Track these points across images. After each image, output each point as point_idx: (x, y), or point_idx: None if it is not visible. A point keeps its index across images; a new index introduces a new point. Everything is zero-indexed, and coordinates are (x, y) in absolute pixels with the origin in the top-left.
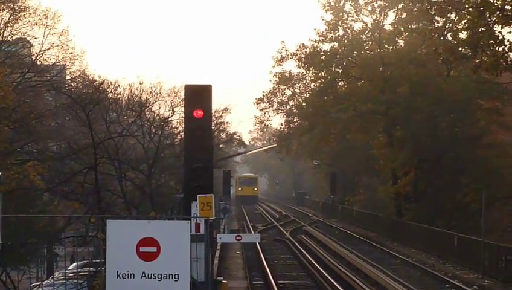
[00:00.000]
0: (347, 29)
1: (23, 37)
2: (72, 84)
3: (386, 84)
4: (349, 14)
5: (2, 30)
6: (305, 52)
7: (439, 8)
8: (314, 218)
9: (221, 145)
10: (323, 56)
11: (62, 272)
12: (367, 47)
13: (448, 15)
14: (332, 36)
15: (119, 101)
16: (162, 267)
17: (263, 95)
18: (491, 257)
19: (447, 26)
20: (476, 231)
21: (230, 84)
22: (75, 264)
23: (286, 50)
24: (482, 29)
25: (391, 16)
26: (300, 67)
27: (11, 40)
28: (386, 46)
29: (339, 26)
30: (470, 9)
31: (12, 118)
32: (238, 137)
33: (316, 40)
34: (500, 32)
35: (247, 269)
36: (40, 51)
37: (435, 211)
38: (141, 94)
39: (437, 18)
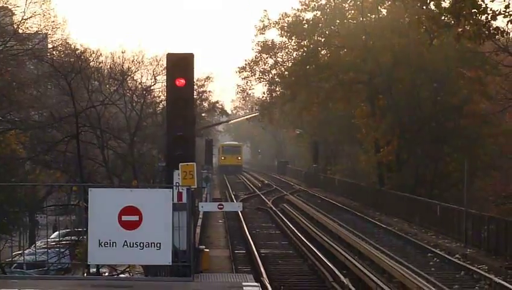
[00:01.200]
0: None
1: (5, 5)
2: (54, 53)
3: (368, 54)
4: None
5: None
6: (288, 21)
7: None
8: (296, 187)
9: (203, 114)
10: (306, 25)
11: (44, 241)
12: (349, 16)
13: None
14: (314, 5)
15: (101, 70)
16: (144, 236)
17: (245, 64)
18: (474, 227)
19: None
20: (458, 201)
21: (212, 52)
22: (57, 233)
23: (268, 19)
24: None
25: None
26: (282, 36)
27: None
28: (369, 15)
29: None
30: None
31: None
32: (220, 106)
33: (298, 9)
34: (482, 1)
35: (229, 238)
36: (22, 19)
37: (417, 181)
38: (123, 63)
39: None
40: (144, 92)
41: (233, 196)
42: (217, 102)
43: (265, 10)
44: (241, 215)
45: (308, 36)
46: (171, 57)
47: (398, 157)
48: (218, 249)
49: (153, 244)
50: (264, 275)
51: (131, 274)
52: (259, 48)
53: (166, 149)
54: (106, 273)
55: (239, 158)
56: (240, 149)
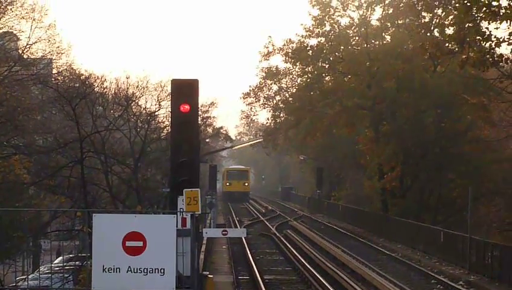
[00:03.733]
0: (334, 25)
1: (10, 30)
2: (59, 78)
3: (372, 80)
4: (336, 9)
5: None
6: (292, 47)
7: (426, 4)
8: (300, 213)
9: (207, 140)
10: (310, 51)
11: (48, 266)
12: (353, 42)
13: (435, 10)
14: (319, 31)
15: (106, 95)
16: (148, 262)
17: (250, 90)
18: (478, 253)
19: (433, 22)
20: (461, 227)
21: (217, 78)
22: (60, 258)
23: (273, 45)
24: (469, 24)
25: (378, 11)
26: (287, 62)
27: None
28: (373, 41)
29: (325, 22)
30: (457, 4)
31: None
32: (224, 131)
33: (302, 35)
34: (487, 28)
35: (233, 263)
36: (27, 44)
37: (421, 206)
38: (128, 88)
39: (424, 13)
40: (148, 118)
41: (237, 222)
42: (221, 128)
43: (270, 36)
44: (245, 241)
45: (313, 62)
46: (175, 83)
47: (402, 183)
48: (222, 274)
49: (157, 270)
50: None
51: None
52: (264, 74)
53: (171, 174)
54: None
55: (246, 184)
56: (247, 174)
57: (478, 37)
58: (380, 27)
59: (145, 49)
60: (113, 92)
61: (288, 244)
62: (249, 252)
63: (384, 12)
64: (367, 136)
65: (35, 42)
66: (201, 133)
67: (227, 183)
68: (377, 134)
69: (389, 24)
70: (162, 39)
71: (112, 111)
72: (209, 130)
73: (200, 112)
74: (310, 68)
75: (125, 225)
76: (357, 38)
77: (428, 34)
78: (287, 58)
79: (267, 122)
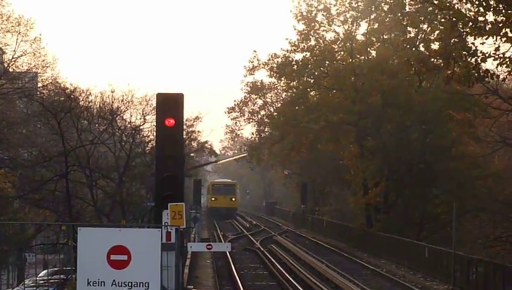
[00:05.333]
0: (319, 39)
1: None
2: (44, 91)
3: (357, 95)
4: (321, 24)
5: None
6: (277, 61)
7: (411, 19)
8: (284, 228)
9: (192, 154)
10: (295, 66)
11: (33, 279)
12: (339, 57)
13: (421, 25)
14: (304, 46)
15: (91, 109)
16: (133, 276)
17: (235, 104)
18: (462, 269)
19: (419, 37)
20: (446, 243)
21: (202, 92)
22: (45, 271)
23: (258, 59)
24: (455, 40)
25: (363, 26)
26: (272, 77)
27: None
28: (358, 56)
29: (311, 36)
30: (443, 20)
31: None
32: (209, 146)
33: (288, 50)
34: (472, 43)
35: (217, 278)
36: (13, 58)
37: (405, 222)
38: (112, 102)
39: (409, 29)
40: (133, 132)
41: (221, 236)
42: (206, 142)
43: (255, 51)
44: (229, 256)
45: (297, 77)
46: (160, 97)
47: (386, 199)
48: (206, 289)
49: (141, 284)
50: None
51: None
52: (249, 89)
53: (155, 189)
54: None
55: (233, 199)
56: (234, 188)
57: (464, 53)
58: (365, 42)
59: (130, 63)
60: (98, 106)
61: (272, 259)
62: (233, 266)
63: (369, 27)
64: (352, 151)
65: (21, 56)
66: (186, 147)
67: (213, 199)
68: (361, 149)
69: (374, 39)
70: (147, 53)
71: (96, 125)
72: (194, 144)
73: (184, 126)
74: (295, 83)
75: (110, 239)
76: (342, 53)
77: (414, 49)
78: (272, 72)
79: (251, 137)
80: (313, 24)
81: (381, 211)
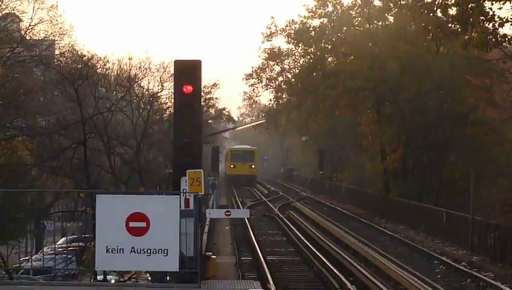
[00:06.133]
0: (336, 5)
1: (12, 11)
2: (61, 59)
3: (374, 61)
4: None
5: None
6: (295, 28)
7: None
8: (302, 194)
9: (210, 121)
10: (313, 32)
11: (51, 247)
12: (356, 23)
13: None
14: (321, 12)
15: (108, 77)
16: (152, 242)
17: (252, 71)
18: (480, 234)
19: (436, 2)
20: (463, 209)
21: (219, 59)
22: (64, 239)
23: (275, 26)
24: (472, 5)
25: None
26: (289, 43)
27: (0, 15)
28: (376, 22)
29: (328, 2)
30: None
31: (1, 94)
32: (227, 113)
33: (305, 16)
34: (490, 8)
35: (235, 244)
36: (29, 25)
37: (423, 188)
38: (130, 69)
39: None
40: (151, 99)
41: (239, 203)
42: (224, 109)
43: (273, 17)
44: (247, 222)
45: (315, 43)
46: (178, 64)
47: (404, 165)
48: (225, 255)
49: (160, 250)
50: (271, 282)
51: (137, 281)
52: (266, 55)
53: (173, 156)
54: (113, 281)
55: (252, 166)
56: (254, 155)
57: (481, 18)
58: (383, 8)
59: (148, 30)
60: (115, 73)
61: (291, 225)
62: (251, 233)
63: None
64: (369, 117)
65: (38, 23)
66: (204, 114)
67: (231, 166)
68: (379, 116)
69: (391, 4)
70: (165, 20)
71: (114, 92)
72: (212, 111)
73: (202, 93)
74: (312, 49)
75: (129, 206)
76: (359, 19)
77: (431, 15)
78: (289, 39)
79: (269, 104)
80: None
81: (398, 176)
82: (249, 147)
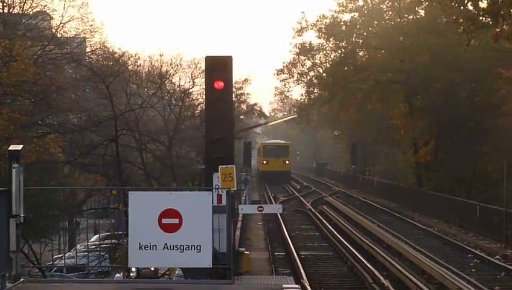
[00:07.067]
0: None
1: (43, 10)
2: (92, 56)
3: (405, 54)
4: None
5: (23, 3)
6: (325, 22)
7: None
8: (335, 188)
9: (241, 117)
10: (344, 26)
11: (84, 244)
12: (387, 17)
13: None
14: (352, 6)
15: (140, 73)
16: (184, 239)
17: (283, 66)
18: None
19: None
20: (496, 201)
21: (250, 54)
22: (97, 236)
23: (306, 21)
24: None
25: None
26: (320, 38)
27: (31, 13)
28: (406, 16)
29: None
30: None
31: (33, 91)
32: (258, 108)
33: (336, 11)
34: None
35: (268, 240)
36: (60, 23)
37: (456, 181)
38: (161, 66)
39: None
40: (182, 95)
41: (272, 198)
42: (255, 104)
43: (303, 12)
44: (280, 218)
45: (346, 37)
46: (209, 60)
47: (436, 158)
48: (258, 251)
49: (193, 247)
50: (304, 277)
51: (171, 277)
52: (297, 50)
53: (205, 151)
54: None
55: (287, 162)
56: (288, 150)
57: None
58: (413, 1)
59: (179, 26)
60: (146, 70)
61: (323, 220)
62: (284, 228)
63: None
64: (401, 110)
65: (68, 21)
66: (235, 109)
67: (264, 162)
68: (410, 108)
69: None
70: (196, 16)
71: (145, 89)
72: (243, 106)
73: (233, 89)
74: (343, 43)
75: (161, 202)
76: (390, 13)
77: (462, 8)
78: (320, 33)
79: (301, 98)
80: None
81: (431, 169)
82: (282, 141)
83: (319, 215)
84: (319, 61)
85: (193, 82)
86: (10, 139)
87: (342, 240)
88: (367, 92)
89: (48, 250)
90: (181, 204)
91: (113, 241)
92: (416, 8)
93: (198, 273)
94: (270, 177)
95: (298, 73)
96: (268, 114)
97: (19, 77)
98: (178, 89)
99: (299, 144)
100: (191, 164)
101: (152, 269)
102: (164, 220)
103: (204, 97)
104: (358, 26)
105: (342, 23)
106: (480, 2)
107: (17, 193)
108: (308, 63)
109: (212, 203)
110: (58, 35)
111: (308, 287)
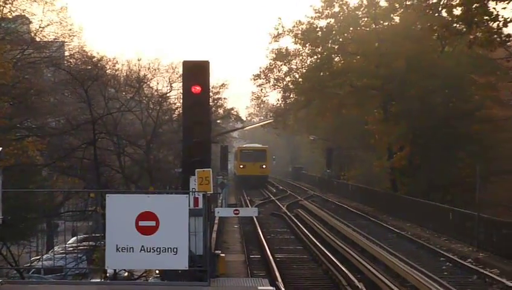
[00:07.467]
0: (343, 6)
1: (23, 14)
2: (71, 60)
3: (381, 60)
4: None
5: (2, 7)
6: (302, 28)
7: None
8: (310, 192)
9: (218, 121)
10: (320, 32)
11: (62, 246)
12: (362, 23)
13: None
14: (328, 12)
15: (118, 77)
16: (161, 241)
17: (260, 71)
18: (486, 231)
19: (441, 3)
20: (471, 206)
21: (227, 59)
22: (74, 238)
23: (283, 26)
24: (477, 5)
25: None
26: (296, 44)
27: (10, 17)
28: (381, 22)
29: (334, 3)
30: None
31: (12, 94)
32: (235, 112)
33: (312, 17)
34: (494, 8)
35: (244, 243)
36: (39, 27)
37: (430, 186)
38: (139, 70)
39: None
40: (160, 99)
41: (248, 202)
42: (232, 109)
43: (280, 18)
44: (256, 221)
45: (322, 43)
46: (187, 64)
47: (411, 163)
48: (234, 254)
49: (169, 249)
50: (279, 279)
51: (147, 279)
52: (274, 56)
53: (183, 155)
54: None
55: (264, 166)
56: (265, 154)
57: (486, 17)
58: (389, 8)
59: (157, 31)
60: (124, 74)
61: (299, 223)
62: (260, 231)
63: None
64: (376, 116)
65: (47, 25)
66: (213, 114)
67: (241, 166)
68: (386, 114)
69: (397, 5)
70: (173, 21)
71: (123, 93)
72: (220, 111)
73: (211, 93)
74: (319, 49)
75: (138, 205)
76: (366, 19)
77: (437, 15)
78: (296, 39)
79: (277, 103)
80: None
81: (406, 174)
82: (260, 145)
83: (294, 219)
84: (295, 67)
85: (171, 86)
86: None
87: (317, 243)
88: (343, 98)
89: (26, 252)
90: (158, 207)
91: (91, 243)
92: (392, 15)
93: (175, 276)
94: (247, 182)
95: (274, 78)
96: (245, 118)
97: None
98: (156, 93)
99: (276, 149)
100: (169, 167)
101: (125, 274)
102: (141, 223)
103: (181, 101)
104: (334, 32)
105: (318, 29)
106: (454, 10)
107: None
108: (285, 69)
109: (189, 206)
110: (37, 39)
111: (283, 289)
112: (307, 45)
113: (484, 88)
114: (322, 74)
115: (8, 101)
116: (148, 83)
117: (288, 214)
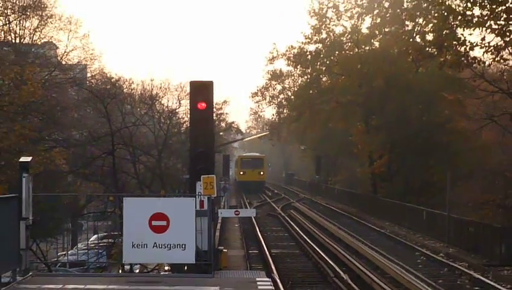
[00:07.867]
0: (329, 33)
1: (50, 40)
2: (92, 80)
3: (363, 79)
4: (331, 20)
5: (32, 35)
6: (294, 52)
7: (409, 14)
8: (301, 196)
9: (221, 133)
10: (309, 56)
11: (85, 243)
12: (347, 48)
13: (417, 19)
14: (317, 38)
15: (133, 95)
16: (171, 238)
17: (257, 90)
18: (456, 229)
19: (416, 29)
20: (441, 206)
21: (229, 79)
22: (95, 236)
23: (277, 51)
24: (446, 31)
25: (367, 21)
26: (289, 65)
27: (39, 43)
28: (363, 46)
29: (322, 30)
30: (436, 14)
31: (41, 110)
32: (235, 126)
33: (302, 42)
34: (462, 34)
35: (244, 240)
36: (65, 52)
37: (406, 189)
38: (152, 89)
39: (407, 22)
40: (170, 114)
41: (247, 204)
42: (233, 122)
43: (274, 43)
44: (254, 220)
45: (311, 65)
46: (193, 84)
47: (389, 169)
48: (235, 249)
49: (179, 245)
50: (275, 272)
51: (159, 272)
52: (269, 76)
53: (190, 163)
54: (138, 271)
55: (261, 173)
56: (263, 162)
57: (454, 42)
58: (369, 34)
59: (167, 55)
60: (139, 92)
61: (291, 223)
62: (258, 229)
63: (373, 21)
64: (359, 128)
65: (72, 50)
66: (216, 127)
67: (241, 173)
68: (367, 127)
69: (377, 32)
70: (182, 45)
71: (138, 109)
72: (223, 124)
73: (214, 109)
74: (309, 70)
75: (151, 207)
76: (349, 44)
77: (411, 40)
78: (289, 62)
79: (272, 118)
80: (324, 19)
81: (385, 179)
82: (257, 154)
83: (288, 219)
84: (288, 86)
85: (179, 103)
86: (21, 152)
87: (308, 239)
88: (329, 112)
89: (53, 248)
90: (168, 208)
91: (110, 240)
92: (372, 40)
93: (183, 269)
94: (247, 187)
95: (270, 96)
96: (244, 131)
97: (29, 98)
98: (166, 109)
99: (271, 157)
100: (178, 173)
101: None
102: (154, 222)
103: (189, 116)
104: (322, 55)
105: (307, 53)
106: (427, 35)
107: (27, 198)
108: (279, 87)
109: (196, 207)
110: (63, 62)
111: (278, 280)
112: (298, 67)
113: (453, 104)
114: (311, 91)
115: (37, 117)
116: (160, 100)
117: (283, 214)
